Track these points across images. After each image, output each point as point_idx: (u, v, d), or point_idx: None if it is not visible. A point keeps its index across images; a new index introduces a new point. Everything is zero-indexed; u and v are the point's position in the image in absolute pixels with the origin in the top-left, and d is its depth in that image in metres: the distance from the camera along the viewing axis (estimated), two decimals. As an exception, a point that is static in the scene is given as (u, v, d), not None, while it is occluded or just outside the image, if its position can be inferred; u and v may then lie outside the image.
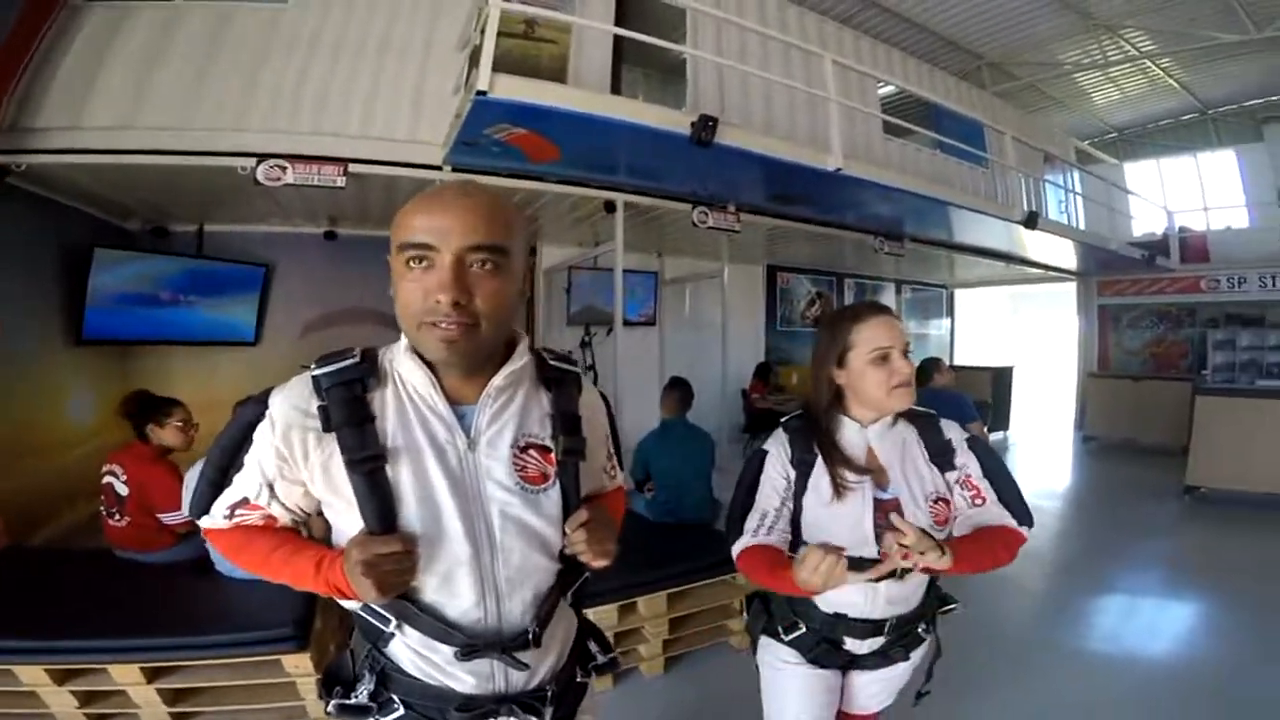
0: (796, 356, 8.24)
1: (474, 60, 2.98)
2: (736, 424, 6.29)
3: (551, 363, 1.05)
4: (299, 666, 2.21)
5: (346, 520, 0.90)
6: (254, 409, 0.92)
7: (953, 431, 1.38)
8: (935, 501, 1.31)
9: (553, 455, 0.98)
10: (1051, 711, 2.54)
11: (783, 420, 1.43)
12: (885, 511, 1.23)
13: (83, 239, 4.11)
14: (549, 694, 1.00)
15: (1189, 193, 9.73)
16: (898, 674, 1.44)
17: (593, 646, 1.14)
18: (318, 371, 0.89)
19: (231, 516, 0.96)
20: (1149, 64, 7.87)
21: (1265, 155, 8.84)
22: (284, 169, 3.39)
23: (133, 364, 4.43)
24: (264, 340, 4.93)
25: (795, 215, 5.36)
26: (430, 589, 0.91)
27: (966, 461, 1.34)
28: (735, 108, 4.53)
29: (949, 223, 5.87)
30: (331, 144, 3.53)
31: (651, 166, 4.19)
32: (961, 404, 3.66)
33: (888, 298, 9.58)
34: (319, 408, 0.87)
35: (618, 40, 4.12)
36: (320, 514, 0.97)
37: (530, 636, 0.95)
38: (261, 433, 0.91)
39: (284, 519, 0.97)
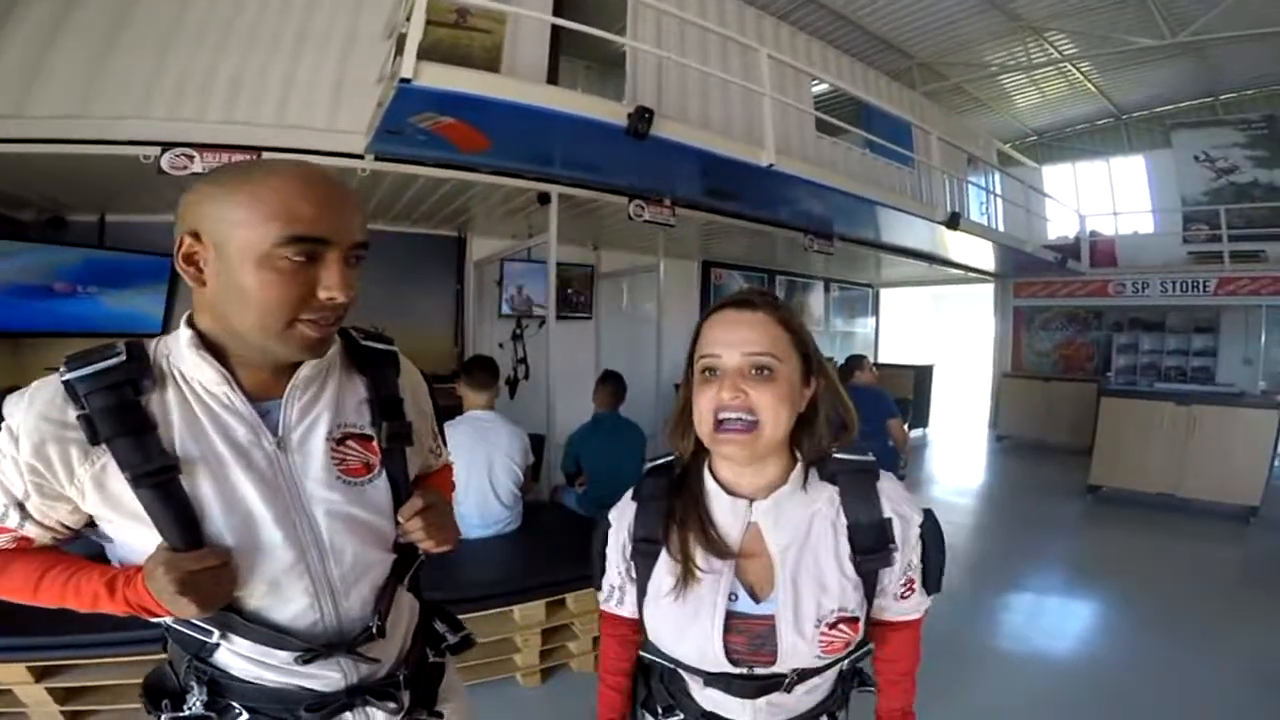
0: (729, 352, 8.28)
1: (399, 48, 2.89)
2: (671, 417, 6.36)
3: (364, 343, 0.97)
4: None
5: (135, 536, 0.79)
6: None
7: (895, 503, 0.93)
8: (834, 625, 0.89)
9: (375, 443, 0.92)
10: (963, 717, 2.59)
11: (644, 471, 1.02)
12: (748, 633, 0.91)
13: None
14: (402, 679, 0.97)
15: (1100, 197, 10.17)
16: None
17: (440, 626, 1.11)
18: (69, 375, 0.75)
19: None
20: (1070, 67, 8.23)
21: (1172, 161, 9.21)
22: (191, 158, 3.20)
23: (27, 356, 4.16)
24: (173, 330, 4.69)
25: (729, 211, 5.40)
26: (256, 596, 0.84)
27: (915, 559, 0.95)
28: (673, 101, 4.54)
29: (876, 222, 6.01)
30: (243, 132, 3.36)
31: (587, 158, 4.15)
32: (882, 400, 3.79)
33: (816, 296, 9.76)
34: (78, 417, 0.74)
35: (556, 32, 4.06)
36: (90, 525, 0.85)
37: (374, 629, 0.91)
38: None
39: (43, 539, 0.83)
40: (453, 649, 1.10)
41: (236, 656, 0.86)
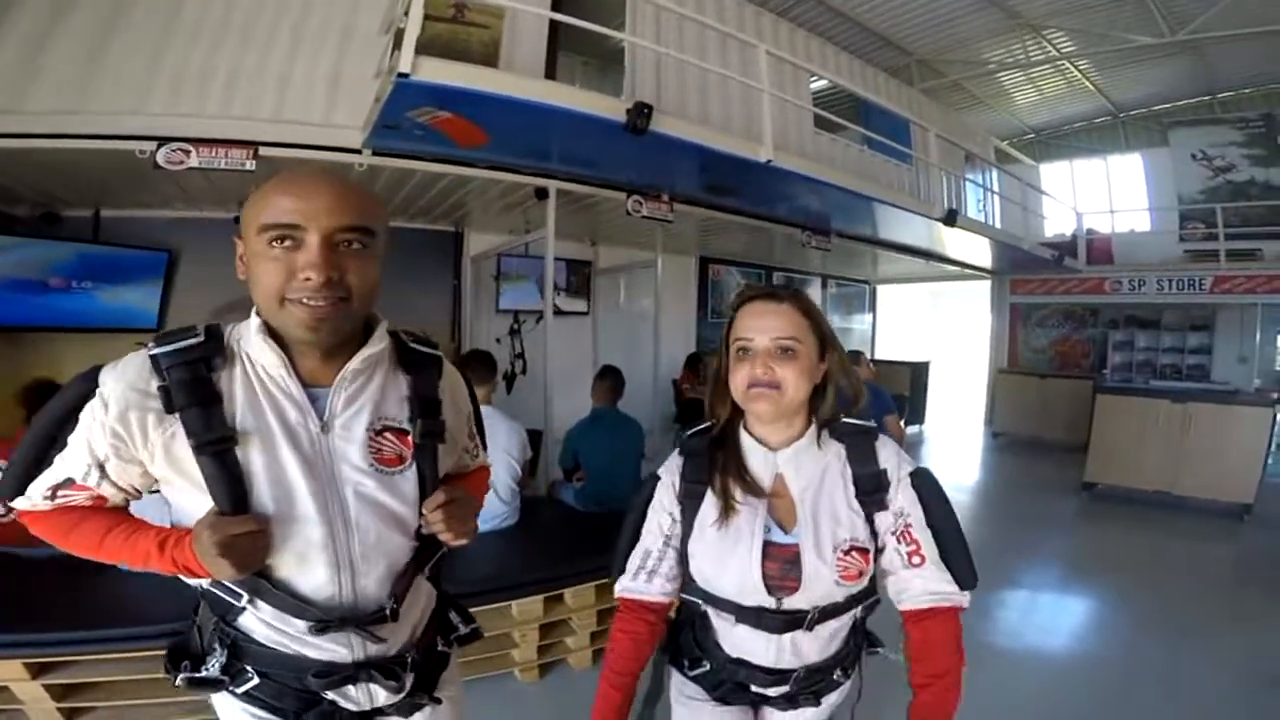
0: (725, 348, 8.27)
1: (397, 42, 2.88)
2: (668, 413, 6.36)
3: (412, 345, 1.06)
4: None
5: (190, 500, 0.89)
6: (80, 387, 0.89)
7: (889, 457, 1.12)
8: (848, 552, 1.07)
9: (410, 438, 1.00)
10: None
11: (686, 435, 1.22)
12: (780, 559, 1.08)
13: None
14: (409, 660, 1.04)
15: (1098, 195, 10.17)
16: (808, 717, 1.23)
17: (454, 617, 1.18)
18: (156, 350, 0.87)
19: (54, 498, 0.92)
20: (1068, 65, 8.23)
21: (1170, 159, 9.19)
22: (187, 152, 3.18)
23: (23, 350, 4.14)
24: (167, 327, 4.64)
25: (728, 207, 5.40)
26: (285, 565, 0.92)
27: (906, 506, 1.10)
28: (671, 97, 4.53)
29: (873, 218, 6.02)
30: (240, 127, 3.34)
31: (585, 154, 4.14)
32: (879, 396, 3.79)
33: (814, 292, 9.74)
34: (159, 388, 0.85)
35: (555, 28, 4.05)
36: (154, 491, 0.95)
37: (387, 612, 0.97)
38: (91, 412, 0.87)
39: (115, 499, 0.94)
40: (461, 640, 1.18)
41: (259, 622, 0.95)
